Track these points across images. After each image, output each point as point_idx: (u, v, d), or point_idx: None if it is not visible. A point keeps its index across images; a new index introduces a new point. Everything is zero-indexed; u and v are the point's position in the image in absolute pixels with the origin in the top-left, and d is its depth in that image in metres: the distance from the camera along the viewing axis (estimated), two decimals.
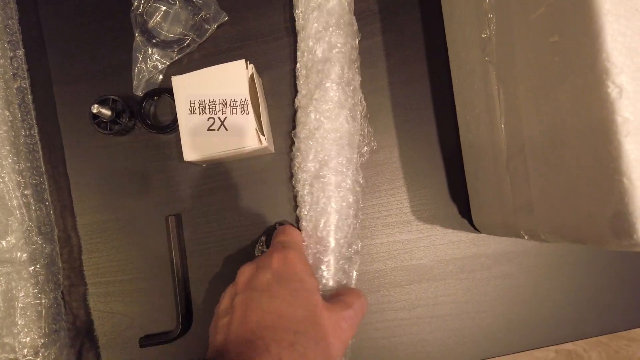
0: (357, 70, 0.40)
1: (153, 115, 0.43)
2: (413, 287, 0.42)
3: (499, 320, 0.41)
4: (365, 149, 0.40)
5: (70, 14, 0.44)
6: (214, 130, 0.37)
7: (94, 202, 0.43)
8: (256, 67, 0.40)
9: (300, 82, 0.39)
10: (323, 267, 0.37)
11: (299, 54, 0.40)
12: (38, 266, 0.38)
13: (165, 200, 0.43)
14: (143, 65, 0.42)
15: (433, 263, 0.42)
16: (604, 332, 0.41)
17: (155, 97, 0.42)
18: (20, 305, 0.37)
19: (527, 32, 0.27)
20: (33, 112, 0.42)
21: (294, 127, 0.40)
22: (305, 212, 0.38)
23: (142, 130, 0.43)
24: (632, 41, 0.21)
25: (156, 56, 0.42)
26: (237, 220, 0.42)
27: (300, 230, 0.39)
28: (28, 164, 0.40)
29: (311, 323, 0.30)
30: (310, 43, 0.38)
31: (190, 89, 0.37)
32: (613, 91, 0.20)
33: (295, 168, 0.39)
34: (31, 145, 0.41)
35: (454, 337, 0.41)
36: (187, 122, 0.37)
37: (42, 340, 0.37)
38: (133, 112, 0.42)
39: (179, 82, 0.38)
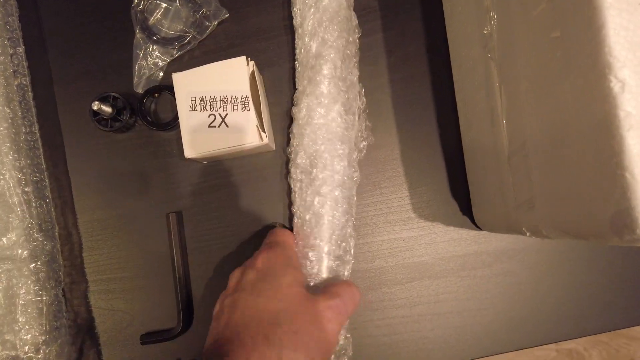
0: (355, 65, 0.39)
1: (153, 112, 0.43)
2: (414, 285, 0.41)
3: (500, 317, 0.41)
4: (363, 144, 0.40)
5: (70, 11, 0.44)
6: (214, 127, 0.37)
7: (94, 200, 0.43)
8: (257, 64, 0.40)
9: (297, 78, 0.39)
10: (311, 263, 0.37)
11: (297, 51, 0.40)
12: (39, 263, 0.38)
13: (166, 197, 0.43)
14: (143, 63, 0.42)
15: (434, 260, 0.42)
16: (605, 330, 0.41)
17: (156, 94, 0.42)
18: (21, 302, 0.37)
19: (528, 28, 0.27)
20: (34, 110, 0.42)
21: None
22: (296, 209, 0.38)
23: (142, 127, 0.43)
24: (634, 35, 0.20)
25: (157, 53, 0.42)
26: (238, 217, 0.42)
27: (292, 229, 0.39)
28: (29, 161, 0.40)
29: (290, 314, 0.30)
30: (307, 40, 0.38)
31: (191, 85, 0.37)
32: (615, 85, 0.20)
33: (290, 164, 0.39)
34: (32, 143, 0.41)
35: (455, 334, 0.41)
36: (188, 119, 0.37)
37: (43, 338, 0.37)
38: (134, 109, 0.42)
39: (179, 79, 0.38)
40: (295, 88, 0.40)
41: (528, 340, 0.41)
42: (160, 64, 0.42)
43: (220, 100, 0.37)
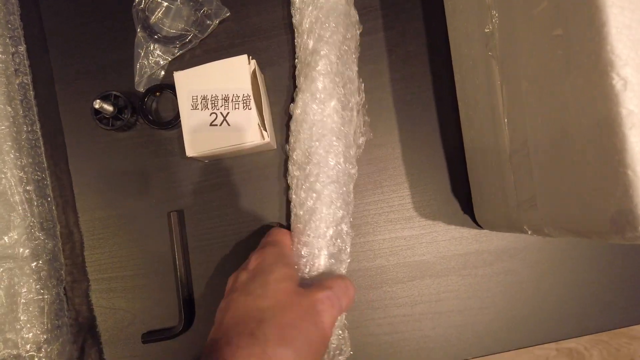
0: (354, 61, 0.39)
1: (155, 111, 0.43)
2: (415, 284, 0.41)
3: (501, 316, 0.41)
4: (362, 139, 0.40)
5: (71, 10, 0.44)
6: (216, 125, 0.37)
7: (95, 198, 0.43)
8: (258, 63, 0.40)
9: (296, 76, 0.39)
10: (304, 260, 0.36)
11: (296, 50, 0.40)
12: (40, 262, 0.38)
13: (167, 196, 0.43)
14: (145, 61, 0.42)
15: (435, 259, 0.42)
16: (606, 329, 0.41)
17: (157, 93, 0.42)
18: (22, 301, 0.37)
19: (530, 26, 0.27)
20: (35, 108, 0.42)
21: None
22: (292, 206, 0.38)
23: (144, 126, 0.43)
24: (636, 33, 0.20)
25: (158, 52, 0.42)
26: (239, 216, 0.42)
27: (289, 228, 0.39)
28: (30, 160, 0.40)
29: (278, 309, 0.30)
30: (305, 37, 0.38)
31: (193, 84, 0.37)
32: (617, 83, 0.20)
33: (288, 161, 0.39)
34: (33, 141, 0.41)
35: (457, 333, 0.41)
36: (189, 118, 0.37)
37: (45, 336, 0.37)
38: (135, 108, 0.42)
39: (181, 78, 0.38)
40: (295, 86, 0.40)
41: (529, 339, 0.41)
42: (162, 62, 0.42)
43: (222, 99, 0.37)
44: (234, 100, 0.36)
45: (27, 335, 0.37)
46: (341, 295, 0.33)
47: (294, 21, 0.40)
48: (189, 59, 0.43)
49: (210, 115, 0.37)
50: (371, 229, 0.42)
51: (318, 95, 0.37)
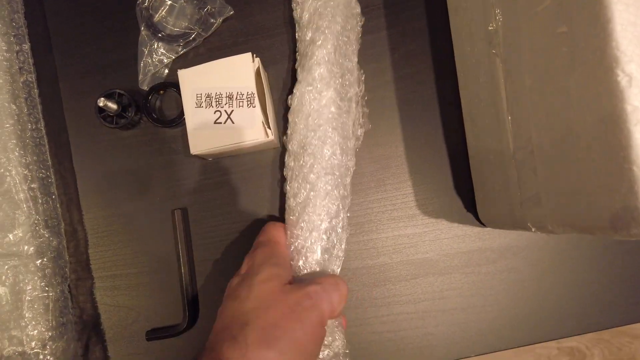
0: (354, 52, 0.38)
1: (159, 109, 0.43)
2: (419, 281, 0.42)
3: (504, 314, 0.41)
4: (360, 131, 0.39)
5: (75, 8, 0.44)
6: (220, 123, 0.37)
7: (99, 196, 0.43)
8: (261, 62, 0.40)
9: (296, 68, 0.39)
10: (297, 255, 0.35)
11: (297, 43, 0.39)
12: (45, 259, 0.38)
13: (171, 194, 0.43)
14: (149, 60, 0.42)
15: (438, 257, 0.42)
16: (609, 326, 0.41)
17: (161, 91, 0.42)
18: (27, 298, 0.37)
19: (534, 24, 0.27)
20: (39, 106, 0.42)
21: None
22: (286, 198, 0.37)
23: (147, 124, 0.43)
24: None
25: (162, 50, 0.42)
26: (243, 213, 0.42)
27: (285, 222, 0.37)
28: (35, 158, 0.40)
29: (262, 310, 0.29)
30: (305, 30, 0.38)
31: (197, 82, 0.37)
32: (623, 80, 0.21)
33: (285, 154, 0.38)
34: (37, 139, 0.41)
35: (460, 331, 0.41)
36: (194, 116, 0.37)
37: (50, 333, 0.38)
38: (139, 106, 0.42)
39: (185, 76, 0.38)
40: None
41: (532, 336, 0.41)
42: (165, 61, 0.42)
43: (226, 97, 0.37)
44: (238, 98, 0.37)
45: (32, 333, 0.37)
46: (330, 290, 0.32)
47: (294, 15, 0.39)
48: (193, 57, 0.43)
49: (215, 113, 0.37)
50: (374, 226, 0.42)
51: (314, 85, 0.36)
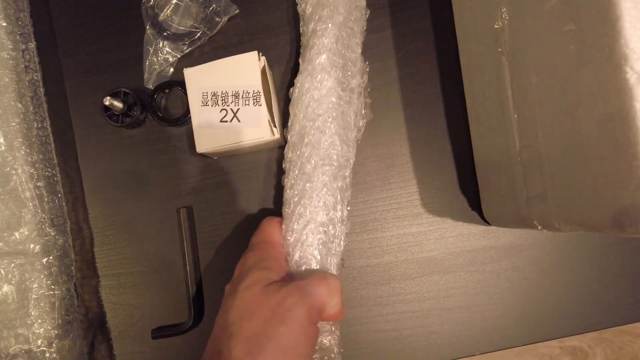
0: (357, 43, 0.38)
1: (164, 108, 0.43)
2: (423, 280, 0.42)
3: (509, 312, 0.41)
4: (362, 122, 0.38)
5: (80, 7, 0.45)
6: (226, 122, 0.37)
7: (105, 195, 0.43)
8: (266, 60, 0.40)
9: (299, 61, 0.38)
10: (290, 249, 0.34)
11: (301, 37, 0.39)
12: (51, 258, 0.39)
13: (176, 192, 0.43)
14: (154, 58, 0.42)
15: (443, 255, 0.42)
16: (611, 326, 0.42)
17: (166, 90, 0.42)
18: (34, 296, 0.38)
19: (541, 22, 0.27)
20: (45, 105, 0.42)
21: None
22: (284, 190, 0.36)
23: (152, 123, 0.43)
24: None
25: (167, 49, 0.42)
26: (248, 211, 0.42)
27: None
28: (41, 156, 0.40)
29: (246, 319, 0.28)
30: (308, 23, 0.37)
31: (203, 80, 0.37)
32: (632, 77, 0.21)
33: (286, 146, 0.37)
34: (43, 138, 0.41)
35: (465, 329, 0.41)
36: (200, 114, 0.37)
37: (56, 332, 0.38)
38: (144, 105, 0.42)
39: (191, 74, 0.38)
40: None
41: (536, 335, 0.41)
42: (171, 59, 0.42)
43: (232, 95, 0.37)
44: (244, 96, 0.37)
45: (38, 331, 0.37)
46: (316, 284, 0.30)
47: (299, 10, 0.39)
48: (198, 56, 0.43)
49: (221, 111, 0.37)
50: (379, 225, 0.42)
51: (314, 75, 0.35)
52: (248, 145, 0.37)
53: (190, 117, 0.38)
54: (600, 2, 0.22)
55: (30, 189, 0.38)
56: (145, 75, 0.42)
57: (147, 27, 0.42)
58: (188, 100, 0.38)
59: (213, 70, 0.37)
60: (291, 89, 0.38)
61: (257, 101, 0.36)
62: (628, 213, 0.22)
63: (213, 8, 0.42)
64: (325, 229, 0.34)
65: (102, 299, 0.43)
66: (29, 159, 0.39)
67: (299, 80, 0.36)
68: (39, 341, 0.37)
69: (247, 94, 0.37)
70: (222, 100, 0.37)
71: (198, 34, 0.42)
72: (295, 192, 0.34)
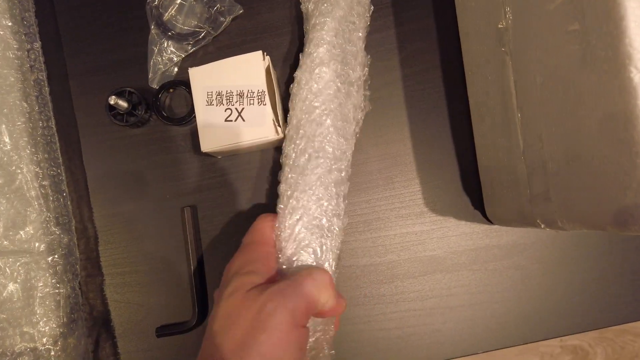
0: (359, 37, 0.37)
1: (168, 107, 0.43)
2: (426, 278, 0.42)
3: (511, 311, 0.42)
4: (361, 114, 0.38)
5: (85, 7, 0.45)
6: (231, 121, 0.37)
7: (109, 194, 0.43)
8: (270, 60, 0.40)
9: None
10: (283, 244, 0.33)
11: (305, 36, 0.38)
12: (56, 256, 0.39)
13: (180, 191, 0.43)
14: (158, 58, 0.42)
15: (446, 254, 0.42)
16: (612, 324, 0.42)
17: (171, 90, 0.42)
18: (39, 295, 0.38)
19: (545, 22, 0.28)
20: (50, 104, 0.42)
21: None
22: (279, 186, 0.35)
23: (157, 122, 0.43)
24: None
25: (171, 49, 0.42)
26: (252, 210, 0.43)
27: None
28: (46, 155, 0.40)
29: (228, 329, 0.27)
30: (310, 20, 0.37)
31: (208, 80, 0.38)
32: (636, 76, 0.21)
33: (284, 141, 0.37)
34: (48, 137, 0.41)
35: (467, 328, 0.42)
36: (204, 114, 0.38)
37: (61, 330, 0.38)
38: (149, 104, 0.42)
39: (196, 74, 0.38)
40: None
41: (538, 333, 0.42)
42: (175, 59, 0.42)
43: (237, 95, 0.37)
44: (249, 96, 0.37)
45: (43, 329, 0.37)
46: (300, 282, 0.28)
47: (302, 8, 0.39)
48: (202, 55, 0.43)
49: (225, 111, 0.37)
50: (382, 224, 0.42)
51: (312, 67, 0.35)
52: (252, 144, 0.38)
53: (194, 117, 0.38)
54: (605, 2, 0.22)
55: (36, 187, 0.39)
56: (150, 75, 0.43)
57: (152, 27, 0.43)
58: (193, 100, 0.38)
59: (218, 69, 0.38)
60: (291, 85, 0.37)
61: (261, 100, 0.37)
62: (631, 211, 0.22)
63: (217, 8, 0.42)
64: (319, 223, 0.33)
65: (106, 297, 0.43)
66: (34, 158, 0.39)
67: (297, 75, 0.36)
68: (44, 339, 0.37)
69: (251, 94, 0.37)
70: (226, 99, 0.37)
71: (202, 34, 0.42)
72: (289, 186, 0.33)
